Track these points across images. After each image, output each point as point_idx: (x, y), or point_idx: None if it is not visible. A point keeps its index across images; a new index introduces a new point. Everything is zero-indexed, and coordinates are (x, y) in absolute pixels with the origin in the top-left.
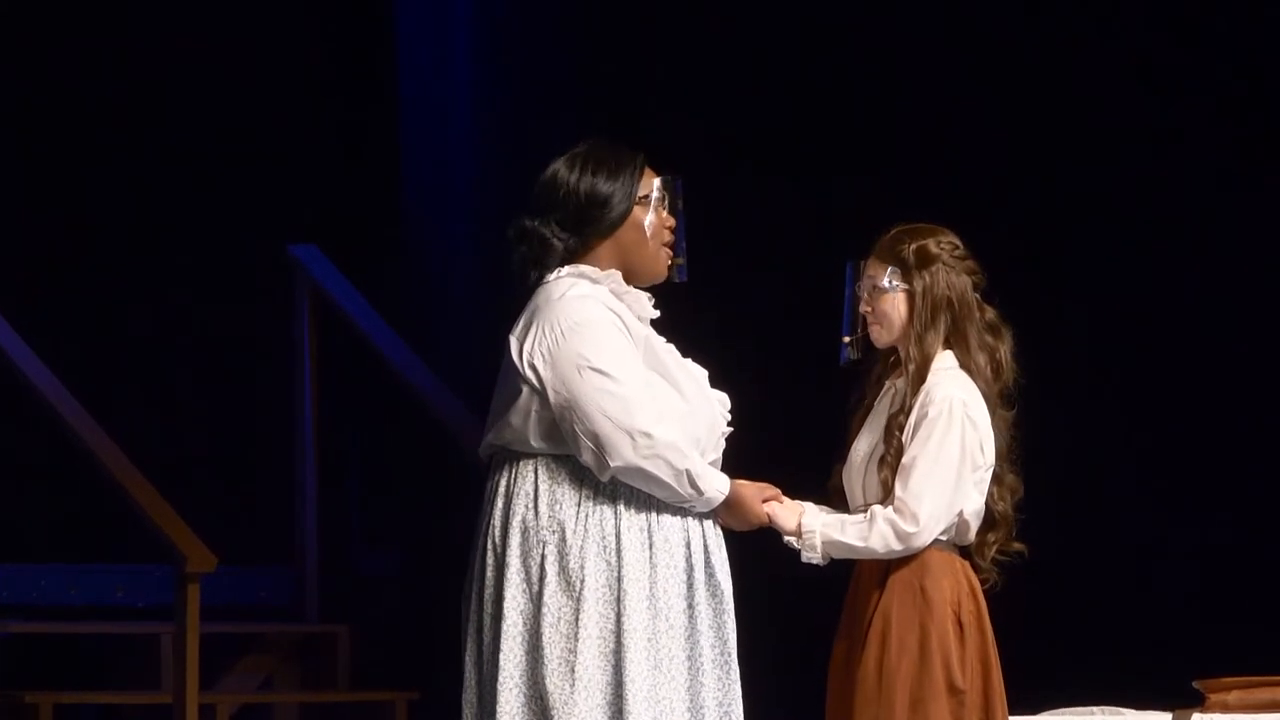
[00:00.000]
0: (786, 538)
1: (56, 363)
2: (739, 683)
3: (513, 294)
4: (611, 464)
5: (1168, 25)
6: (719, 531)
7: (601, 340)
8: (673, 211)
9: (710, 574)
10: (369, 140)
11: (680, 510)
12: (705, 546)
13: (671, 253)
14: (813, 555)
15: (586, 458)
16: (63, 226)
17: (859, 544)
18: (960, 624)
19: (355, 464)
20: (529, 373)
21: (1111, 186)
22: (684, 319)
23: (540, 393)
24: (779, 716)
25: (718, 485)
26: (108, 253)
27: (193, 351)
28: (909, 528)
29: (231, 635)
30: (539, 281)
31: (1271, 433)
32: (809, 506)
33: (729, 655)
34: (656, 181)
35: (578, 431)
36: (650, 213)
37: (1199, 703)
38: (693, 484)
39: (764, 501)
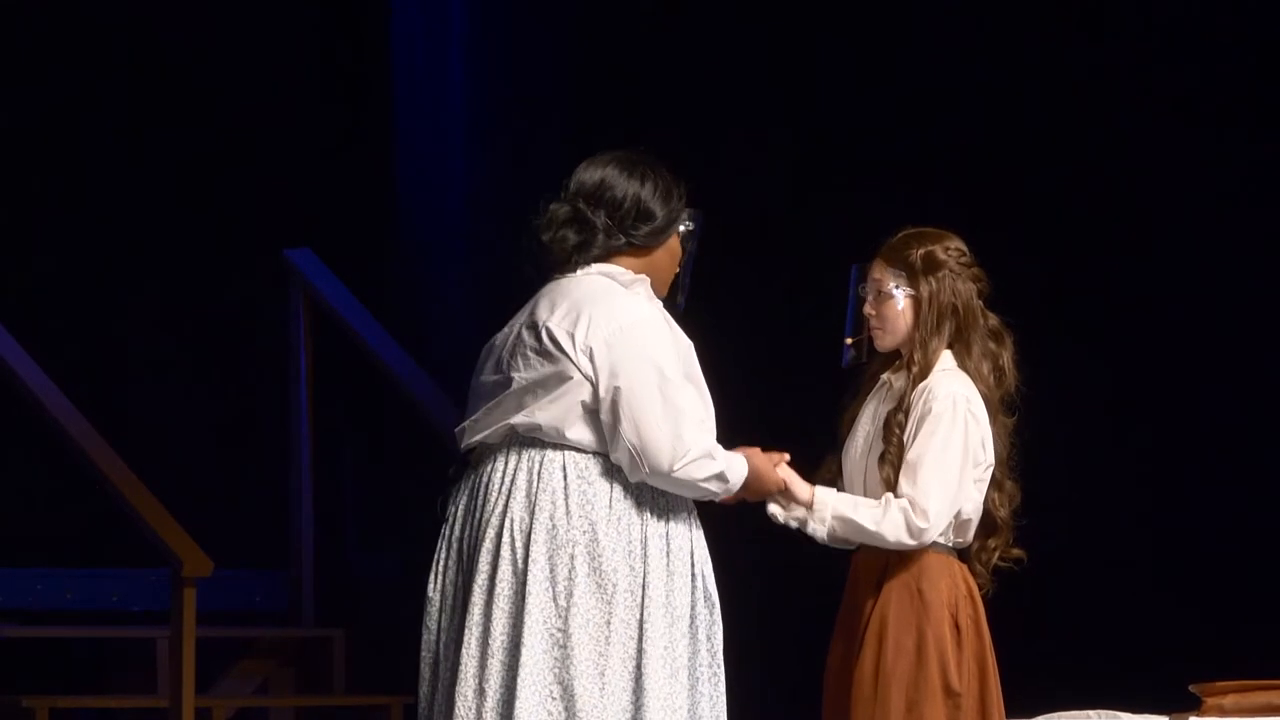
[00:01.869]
0: (771, 509)
1: (52, 366)
2: (724, 694)
3: (520, 285)
4: (647, 471)
5: (1170, 32)
6: (704, 538)
7: (662, 341)
8: (686, 242)
9: (704, 580)
10: (363, 144)
11: (686, 516)
12: (700, 556)
13: (678, 280)
14: (819, 528)
15: (621, 457)
16: (58, 230)
17: (870, 526)
18: (957, 627)
19: (351, 468)
20: (583, 359)
21: (1111, 195)
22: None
23: (591, 382)
24: (776, 718)
25: (739, 472)
26: (103, 256)
27: (188, 355)
28: (921, 523)
29: (227, 639)
30: (564, 272)
31: (1268, 441)
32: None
33: (719, 665)
34: (687, 213)
35: (622, 430)
36: (678, 242)
37: (1195, 707)
38: (723, 480)
39: (775, 466)
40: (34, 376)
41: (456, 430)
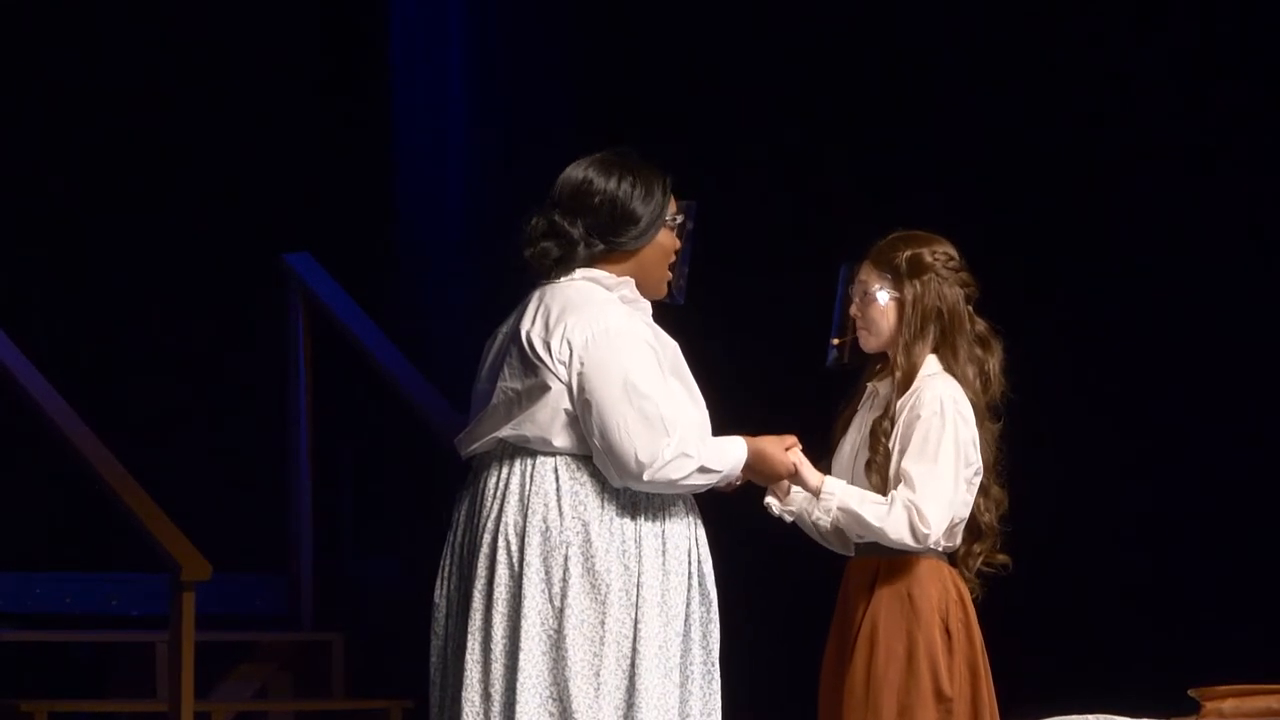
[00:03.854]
0: (768, 500)
1: (51, 371)
2: (719, 693)
3: (513, 288)
4: (624, 481)
5: (1168, 37)
6: (705, 536)
7: (634, 348)
8: (681, 235)
9: (702, 579)
10: (362, 147)
11: (685, 514)
12: (700, 554)
13: (673, 274)
14: (823, 518)
15: (598, 462)
16: (57, 235)
17: (874, 523)
18: (948, 632)
19: (349, 471)
20: (560, 369)
21: (1104, 199)
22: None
23: (569, 391)
24: None
25: (732, 457)
26: (102, 261)
27: (187, 359)
28: (924, 528)
29: (226, 643)
30: (550, 280)
31: (1264, 442)
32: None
33: (713, 663)
34: (675, 205)
35: (594, 440)
36: (670, 236)
37: (1194, 711)
38: (706, 472)
39: (785, 450)
40: (33, 381)
41: (456, 440)
